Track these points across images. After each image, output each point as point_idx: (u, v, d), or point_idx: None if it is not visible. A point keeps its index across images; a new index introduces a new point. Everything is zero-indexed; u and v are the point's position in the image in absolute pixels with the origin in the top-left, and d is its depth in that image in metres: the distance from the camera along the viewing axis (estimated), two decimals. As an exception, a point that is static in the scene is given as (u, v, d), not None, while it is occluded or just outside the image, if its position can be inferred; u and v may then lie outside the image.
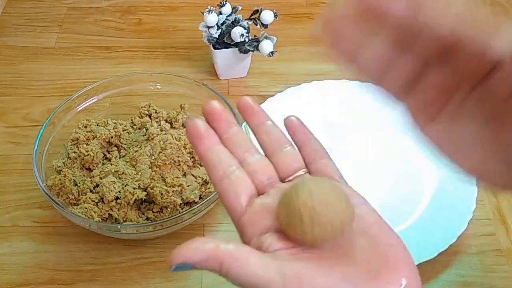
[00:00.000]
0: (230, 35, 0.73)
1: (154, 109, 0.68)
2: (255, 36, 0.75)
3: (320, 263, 0.30)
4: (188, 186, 0.60)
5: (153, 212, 0.59)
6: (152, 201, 0.59)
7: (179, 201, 0.58)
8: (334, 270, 0.29)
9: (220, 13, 0.74)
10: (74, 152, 0.63)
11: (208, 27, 0.74)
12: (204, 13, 0.72)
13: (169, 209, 0.59)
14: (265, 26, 0.76)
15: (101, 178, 0.60)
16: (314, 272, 0.29)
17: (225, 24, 0.74)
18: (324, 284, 0.29)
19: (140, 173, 0.60)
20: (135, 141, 0.65)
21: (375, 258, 0.30)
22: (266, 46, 0.72)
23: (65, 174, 0.59)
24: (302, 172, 0.35)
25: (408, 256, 0.32)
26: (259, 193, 0.34)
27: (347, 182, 0.37)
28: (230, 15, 0.75)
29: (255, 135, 0.35)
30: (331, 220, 0.30)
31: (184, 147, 0.62)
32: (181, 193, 0.59)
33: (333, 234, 0.30)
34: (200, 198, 0.61)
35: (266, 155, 0.35)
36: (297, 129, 0.36)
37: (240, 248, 0.30)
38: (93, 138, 0.64)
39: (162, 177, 0.59)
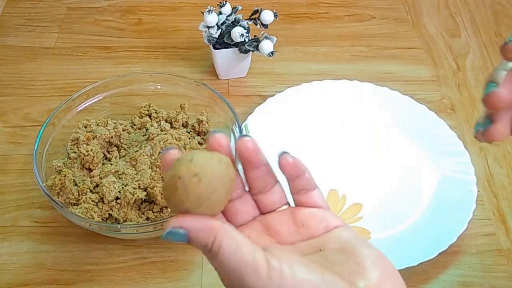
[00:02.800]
0: (230, 35, 0.73)
1: (154, 109, 0.68)
2: (255, 36, 0.75)
3: (304, 263, 0.31)
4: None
5: (153, 212, 0.59)
6: (152, 201, 0.59)
7: (179, 201, 0.58)
8: (315, 271, 0.30)
9: (220, 13, 0.74)
10: (74, 152, 0.63)
11: (208, 27, 0.74)
12: (204, 13, 0.72)
13: (169, 209, 0.59)
14: (265, 26, 0.76)
15: (101, 178, 0.60)
16: (297, 268, 0.30)
17: (225, 24, 0.75)
18: (305, 281, 0.29)
19: (140, 173, 0.60)
20: (135, 141, 0.65)
21: (350, 266, 0.31)
22: (266, 46, 0.72)
23: (65, 174, 0.59)
24: (284, 207, 0.36)
25: (383, 262, 0.33)
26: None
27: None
28: (230, 15, 0.75)
29: (245, 174, 0.35)
30: (207, 190, 0.30)
31: (184, 147, 0.62)
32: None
33: (210, 205, 0.30)
34: (200, 198, 0.60)
35: (251, 192, 0.36)
36: (292, 167, 0.35)
37: (234, 230, 0.31)
38: (93, 138, 0.64)
39: (162, 177, 0.59)
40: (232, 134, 0.65)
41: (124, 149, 0.65)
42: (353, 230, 0.35)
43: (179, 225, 0.30)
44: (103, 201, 0.59)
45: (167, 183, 0.30)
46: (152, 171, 0.60)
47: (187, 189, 0.30)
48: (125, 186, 0.58)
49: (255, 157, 0.34)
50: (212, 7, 0.72)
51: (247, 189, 0.36)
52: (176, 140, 0.61)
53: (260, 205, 0.36)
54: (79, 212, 0.57)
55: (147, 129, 0.65)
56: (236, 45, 0.75)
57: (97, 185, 0.60)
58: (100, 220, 0.58)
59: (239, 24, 0.74)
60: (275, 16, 0.75)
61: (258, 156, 0.34)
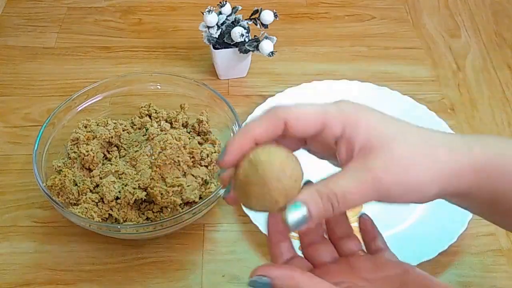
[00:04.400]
0: (230, 35, 0.73)
1: (154, 109, 0.68)
2: (255, 36, 0.75)
3: None
4: (188, 186, 0.60)
5: (153, 212, 0.59)
6: (152, 201, 0.59)
7: (179, 201, 0.58)
8: None
9: (220, 13, 0.74)
10: (74, 152, 0.63)
11: (208, 27, 0.74)
12: (204, 13, 0.72)
13: (169, 209, 0.59)
14: (265, 26, 0.76)
15: (101, 178, 0.60)
16: None
17: (225, 24, 0.75)
18: None
19: (140, 173, 0.60)
20: (135, 141, 0.65)
21: None
22: (266, 46, 0.72)
23: (65, 174, 0.59)
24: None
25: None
26: None
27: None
28: (230, 15, 0.75)
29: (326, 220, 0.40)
30: (268, 193, 0.33)
31: (184, 147, 0.62)
32: (181, 193, 0.59)
33: (270, 206, 0.34)
34: (200, 198, 0.61)
35: (331, 237, 0.41)
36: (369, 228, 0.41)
37: (313, 276, 0.34)
38: (93, 138, 0.64)
39: (162, 177, 0.59)
40: (232, 134, 0.65)
41: (124, 149, 0.65)
42: (421, 270, 0.38)
43: (264, 273, 0.33)
44: (103, 201, 0.59)
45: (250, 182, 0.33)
46: (152, 171, 0.60)
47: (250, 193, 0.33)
48: (125, 186, 0.58)
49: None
50: (212, 7, 0.73)
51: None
52: (176, 140, 0.61)
53: (339, 249, 0.40)
54: (79, 212, 0.57)
55: (147, 129, 0.65)
56: (236, 45, 0.75)
57: (97, 185, 0.60)
58: (100, 220, 0.58)
59: (239, 24, 0.74)
60: (275, 16, 0.75)
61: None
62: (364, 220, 0.41)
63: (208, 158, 0.63)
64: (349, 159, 0.35)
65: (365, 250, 0.40)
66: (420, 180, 0.35)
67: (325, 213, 0.33)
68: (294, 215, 0.32)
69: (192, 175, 0.62)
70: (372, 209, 0.64)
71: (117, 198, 0.58)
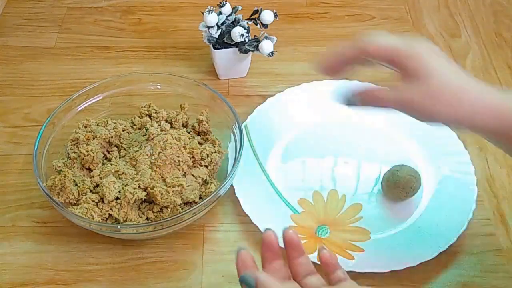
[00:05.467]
0: (230, 35, 0.73)
1: (154, 109, 0.68)
2: (255, 36, 0.75)
3: None
4: (188, 186, 0.60)
5: (153, 212, 0.59)
6: (152, 201, 0.59)
7: (179, 201, 0.58)
8: None
9: (220, 13, 0.74)
10: (74, 152, 0.63)
11: (208, 27, 0.74)
12: (204, 13, 0.72)
13: (169, 209, 0.59)
14: (265, 26, 0.76)
15: (101, 178, 0.60)
16: None
17: (225, 24, 0.75)
18: None
19: (140, 173, 0.60)
20: (135, 141, 0.65)
21: None
22: (266, 46, 0.72)
23: (65, 174, 0.59)
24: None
25: None
26: None
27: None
28: (230, 15, 0.75)
29: (289, 263, 0.45)
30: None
31: (184, 147, 0.62)
32: (181, 193, 0.59)
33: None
34: (200, 198, 0.61)
35: (294, 278, 0.44)
36: (329, 261, 0.45)
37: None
38: (93, 138, 0.64)
39: (162, 177, 0.59)
40: (232, 134, 0.65)
41: (124, 149, 0.65)
42: None
43: (253, 274, 0.40)
44: (103, 201, 0.59)
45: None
46: (152, 171, 0.60)
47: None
48: (125, 186, 0.58)
49: (299, 246, 0.44)
50: (212, 7, 0.73)
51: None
52: (176, 140, 0.62)
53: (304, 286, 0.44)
54: (79, 212, 0.57)
55: (147, 129, 0.65)
56: (236, 45, 0.75)
57: (97, 185, 0.60)
58: (100, 220, 0.58)
59: (239, 24, 0.74)
60: (275, 16, 0.75)
61: (301, 245, 0.45)
62: (323, 254, 0.45)
63: (208, 158, 0.63)
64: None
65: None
66: (442, 115, 0.45)
67: None
68: None
69: (192, 175, 0.62)
70: (372, 209, 0.64)
71: (117, 198, 0.58)
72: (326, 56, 0.48)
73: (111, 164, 0.62)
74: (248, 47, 0.74)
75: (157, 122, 0.67)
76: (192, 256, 0.60)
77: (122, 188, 0.58)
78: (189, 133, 0.67)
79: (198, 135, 0.68)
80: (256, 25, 0.76)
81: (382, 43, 0.46)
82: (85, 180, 0.61)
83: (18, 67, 0.82)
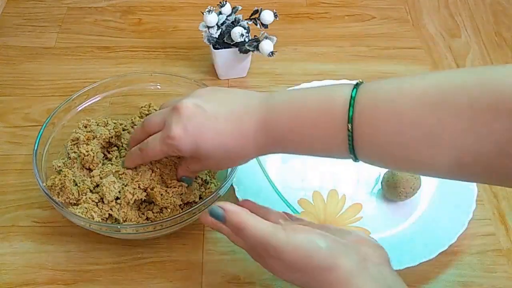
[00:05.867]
0: (230, 35, 0.73)
1: (154, 109, 0.68)
2: (255, 36, 0.75)
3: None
4: (188, 186, 0.60)
5: (153, 212, 0.59)
6: (152, 202, 0.59)
7: (179, 202, 0.58)
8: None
9: (220, 13, 0.74)
10: (74, 152, 0.63)
11: (208, 27, 0.74)
12: (204, 13, 0.72)
13: (169, 209, 0.59)
14: (265, 26, 0.76)
15: (101, 178, 0.60)
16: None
17: (225, 24, 0.75)
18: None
19: (140, 174, 0.60)
20: (135, 141, 0.65)
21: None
22: (266, 46, 0.72)
23: (65, 174, 0.59)
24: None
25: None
26: None
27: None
28: (230, 15, 0.75)
29: None
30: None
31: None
32: (181, 193, 0.59)
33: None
34: (200, 198, 0.61)
35: None
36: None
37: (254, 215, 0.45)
38: (93, 138, 0.64)
39: (162, 177, 0.59)
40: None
41: (124, 149, 0.65)
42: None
43: (221, 205, 0.45)
44: (103, 201, 0.59)
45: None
46: (152, 172, 0.60)
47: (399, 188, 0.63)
48: (125, 186, 0.58)
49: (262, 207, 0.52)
50: (212, 7, 0.73)
51: None
52: (176, 140, 0.61)
53: None
54: (79, 212, 0.57)
55: (147, 129, 0.65)
56: (236, 45, 0.75)
57: (97, 185, 0.60)
58: (100, 220, 0.58)
59: (239, 24, 0.74)
60: (275, 16, 0.75)
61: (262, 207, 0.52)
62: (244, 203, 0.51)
63: (208, 158, 0.63)
64: None
65: None
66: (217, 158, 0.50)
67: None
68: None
69: (192, 175, 0.62)
70: (372, 209, 0.64)
71: (117, 198, 0.58)
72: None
73: (111, 164, 0.62)
74: (248, 47, 0.74)
75: (157, 122, 0.67)
76: (192, 256, 0.60)
77: (122, 188, 0.58)
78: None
79: (198, 135, 0.67)
80: (256, 25, 0.76)
81: (152, 151, 0.53)
82: (85, 180, 0.61)
83: (18, 67, 0.82)
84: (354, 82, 0.44)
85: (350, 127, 0.41)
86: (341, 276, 0.41)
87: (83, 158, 0.62)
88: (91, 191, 0.60)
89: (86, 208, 0.57)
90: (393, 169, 0.46)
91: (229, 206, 0.45)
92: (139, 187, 0.59)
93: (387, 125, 0.40)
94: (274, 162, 0.69)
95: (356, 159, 0.44)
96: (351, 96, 0.42)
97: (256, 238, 0.43)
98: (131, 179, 0.59)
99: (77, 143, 0.63)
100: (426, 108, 0.39)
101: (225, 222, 0.45)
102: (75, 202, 0.59)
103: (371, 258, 0.43)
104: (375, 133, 0.41)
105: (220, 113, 0.48)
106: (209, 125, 0.48)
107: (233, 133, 0.47)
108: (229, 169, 0.62)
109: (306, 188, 0.66)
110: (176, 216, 0.56)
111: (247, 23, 0.75)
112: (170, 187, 0.58)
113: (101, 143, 0.64)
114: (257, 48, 0.73)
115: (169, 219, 0.55)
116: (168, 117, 0.50)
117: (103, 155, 0.64)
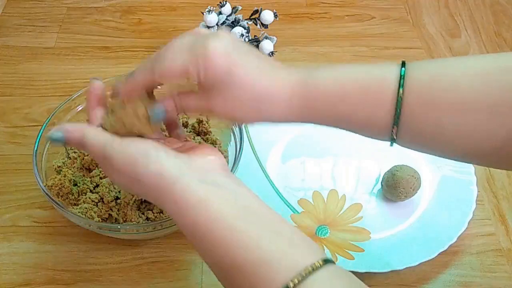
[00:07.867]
0: (230, 35, 0.73)
1: (154, 109, 0.68)
2: (255, 36, 0.75)
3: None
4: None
5: (153, 212, 0.59)
6: (152, 201, 0.59)
7: (179, 201, 0.58)
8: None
9: (220, 13, 0.74)
10: (74, 152, 0.63)
11: (208, 27, 0.74)
12: (204, 13, 0.73)
13: (169, 209, 0.59)
14: (265, 26, 0.76)
15: (101, 178, 0.60)
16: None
17: (225, 24, 0.75)
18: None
19: (140, 173, 0.60)
20: (135, 141, 0.65)
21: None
22: (266, 46, 0.72)
23: (65, 174, 0.59)
24: None
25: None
26: None
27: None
28: (230, 15, 0.75)
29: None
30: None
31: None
32: (181, 193, 0.59)
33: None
34: (200, 198, 0.60)
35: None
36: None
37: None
38: (93, 138, 0.64)
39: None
40: (232, 134, 0.65)
41: (124, 149, 0.65)
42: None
43: (58, 128, 0.44)
44: (103, 201, 0.59)
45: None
46: (152, 171, 0.59)
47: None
48: (125, 186, 0.58)
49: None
50: (212, 7, 0.73)
51: None
52: (176, 140, 0.61)
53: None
54: (79, 212, 0.57)
55: (147, 129, 0.65)
56: (236, 45, 0.74)
57: (97, 185, 0.60)
58: (100, 220, 0.58)
59: (239, 24, 0.74)
60: (275, 16, 0.75)
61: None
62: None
63: (208, 158, 0.63)
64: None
65: None
66: (247, 119, 0.45)
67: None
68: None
69: (192, 175, 0.62)
70: (372, 209, 0.64)
71: (117, 198, 0.58)
72: (121, 84, 0.47)
73: (111, 164, 0.62)
74: (248, 47, 0.74)
75: (157, 122, 0.67)
76: (192, 256, 0.60)
77: (122, 188, 0.58)
78: (189, 133, 0.67)
79: (198, 135, 0.67)
80: (256, 25, 0.76)
81: (169, 65, 0.44)
82: (85, 180, 0.61)
83: (18, 67, 0.82)
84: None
85: (400, 93, 0.43)
86: (167, 181, 0.40)
87: (83, 158, 0.62)
88: (91, 191, 0.60)
89: (86, 208, 0.57)
90: (430, 151, 0.45)
91: (68, 126, 0.44)
92: (139, 187, 0.58)
93: (442, 101, 0.40)
94: (274, 162, 0.69)
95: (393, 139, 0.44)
96: (401, 75, 0.44)
97: (94, 149, 0.43)
98: (131, 179, 0.59)
99: (77, 143, 0.63)
100: (490, 85, 0.38)
101: (67, 143, 0.44)
102: (75, 202, 0.59)
103: (205, 166, 0.43)
104: (429, 107, 0.41)
105: (261, 57, 0.46)
106: (252, 59, 0.44)
107: (271, 79, 0.44)
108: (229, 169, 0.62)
109: (306, 188, 0.66)
110: (176, 216, 0.56)
111: (247, 23, 0.75)
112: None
113: (101, 143, 0.64)
114: (257, 48, 0.73)
115: (169, 219, 0.55)
116: (201, 38, 0.43)
117: (103, 155, 0.64)
